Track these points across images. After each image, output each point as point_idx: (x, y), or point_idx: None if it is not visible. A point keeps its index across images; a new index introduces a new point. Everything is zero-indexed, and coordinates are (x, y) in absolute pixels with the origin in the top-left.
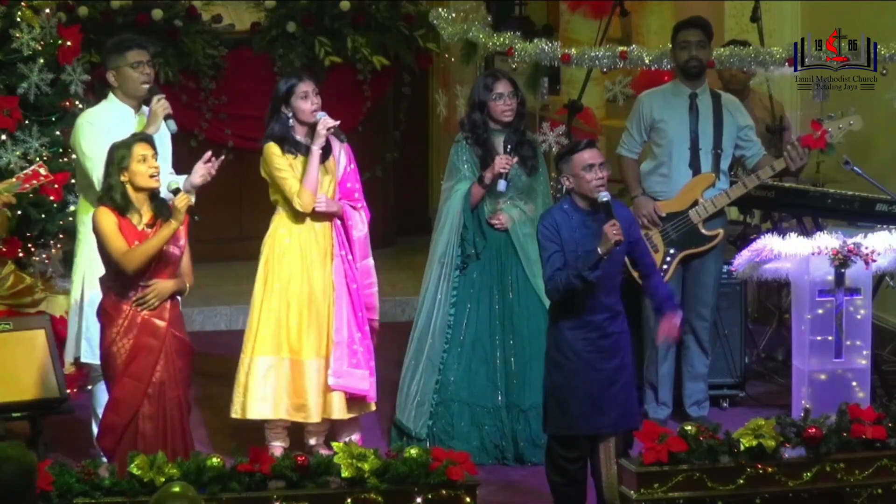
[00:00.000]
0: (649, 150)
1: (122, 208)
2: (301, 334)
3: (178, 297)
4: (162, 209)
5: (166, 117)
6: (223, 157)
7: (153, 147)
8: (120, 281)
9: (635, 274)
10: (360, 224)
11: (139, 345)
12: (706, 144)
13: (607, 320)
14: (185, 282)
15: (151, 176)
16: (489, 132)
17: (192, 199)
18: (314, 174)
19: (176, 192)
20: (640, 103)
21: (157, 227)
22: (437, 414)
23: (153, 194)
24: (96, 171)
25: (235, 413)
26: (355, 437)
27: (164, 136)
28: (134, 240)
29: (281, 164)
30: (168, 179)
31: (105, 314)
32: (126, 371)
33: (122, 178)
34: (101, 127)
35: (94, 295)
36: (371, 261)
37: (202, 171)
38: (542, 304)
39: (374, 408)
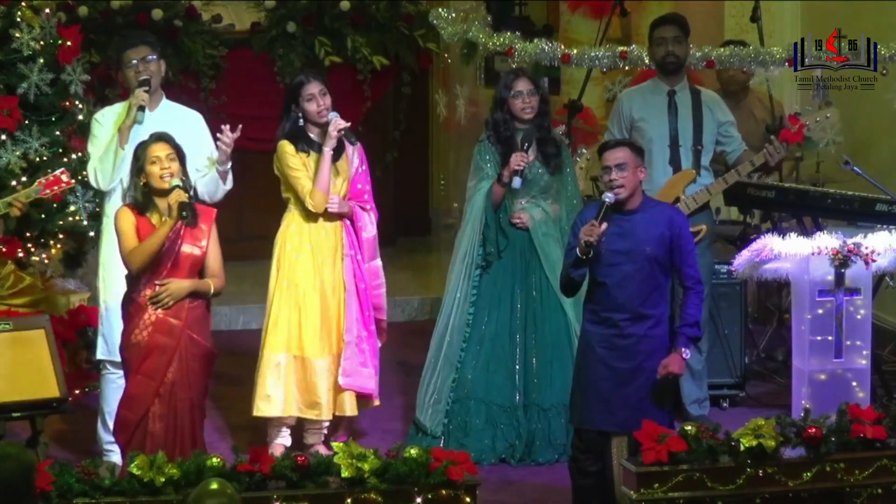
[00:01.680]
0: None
1: (142, 207)
2: (311, 332)
3: (202, 300)
4: (185, 210)
5: (139, 108)
6: (240, 127)
7: (172, 146)
8: (137, 279)
9: None
10: (369, 225)
11: (153, 343)
12: (686, 141)
13: (627, 321)
14: (210, 284)
15: (162, 177)
16: (512, 131)
17: (185, 195)
18: (326, 175)
19: (173, 188)
20: (619, 102)
21: (178, 227)
22: (454, 412)
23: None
24: (88, 166)
25: (255, 411)
26: (319, 443)
27: (164, 130)
28: None
29: (294, 162)
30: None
31: (126, 311)
32: (140, 368)
33: (141, 179)
34: (104, 125)
35: (112, 294)
36: (379, 262)
37: (219, 146)
38: (563, 305)
39: (377, 403)
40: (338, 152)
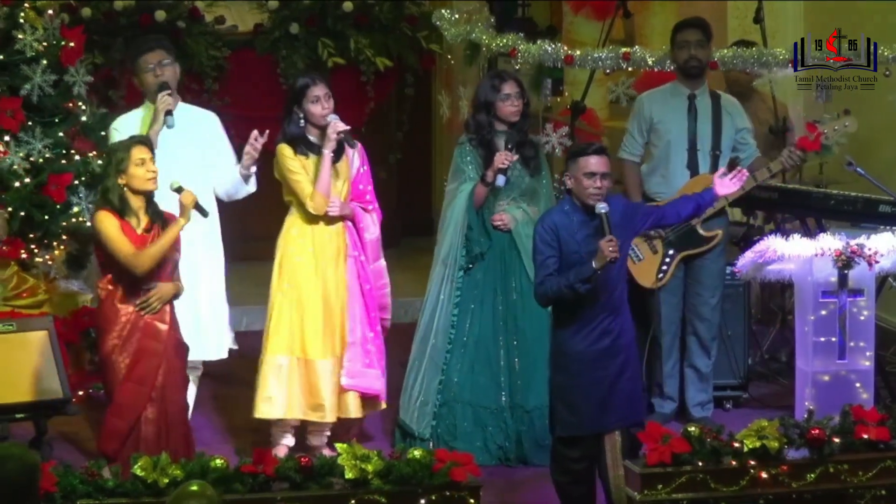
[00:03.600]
0: (649, 152)
1: (121, 211)
2: (314, 334)
3: (175, 300)
4: (157, 214)
5: (167, 113)
6: (267, 132)
7: (151, 150)
8: (124, 284)
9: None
10: (371, 226)
11: (142, 349)
12: (704, 145)
13: (608, 318)
14: (181, 285)
15: (149, 179)
16: (493, 133)
17: (196, 195)
18: (326, 178)
19: (179, 190)
20: (639, 104)
21: (154, 231)
22: (441, 415)
23: (148, 199)
24: None
25: (257, 412)
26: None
27: (180, 133)
28: (134, 243)
29: (294, 165)
30: (172, 179)
31: (104, 318)
32: (130, 375)
33: (120, 181)
34: (123, 132)
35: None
36: (383, 262)
37: (246, 151)
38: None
39: (384, 406)
40: (338, 154)
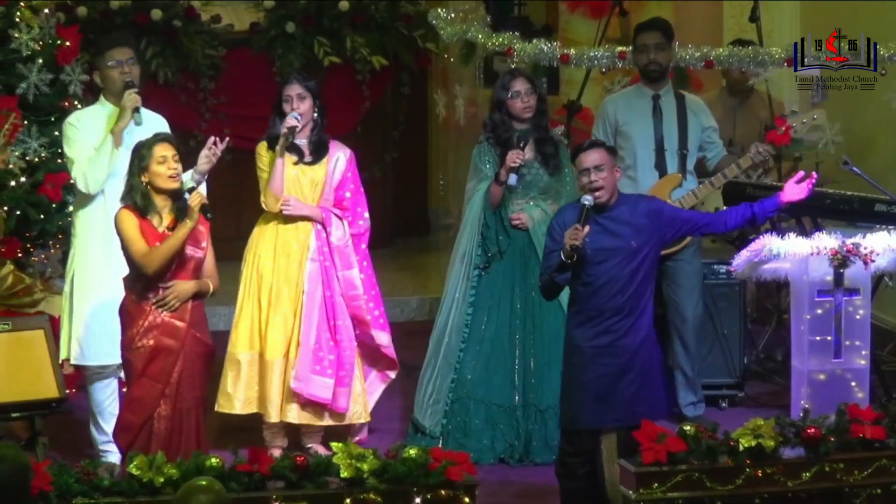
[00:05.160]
0: (617, 154)
1: (143, 209)
2: (265, 332)
3: (202, 299)
4: (183, 212)
5: (134, 110)
6: (227, 140)
7: (175, 147)
8: (141, 282)
9: None
10: (339, 232)
11: (159, 346)
12: (671, 145)
13: (614, 317)
14: (209, 284)
15: (171, 177)
16: (511, 132)
17: (205, 197)
18: (278, 176)
19: (190, 191)
20: (604, 108)
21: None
22: (453, 412)
23: (175, 196)
24: (74, 170)
25: (217, 406)
26: (318, 444)
27: (131, 134)
28: (154, 241)
29: (263, 162)
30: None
31: (126, 314)
32: (145, 371)
33: (143, 179)
34: (82, 129)
35: (84, 295)
36: (355, 272)
37: (204, 155)
38: (563, 305)
39: (346, 420)
40: (318, 157)
